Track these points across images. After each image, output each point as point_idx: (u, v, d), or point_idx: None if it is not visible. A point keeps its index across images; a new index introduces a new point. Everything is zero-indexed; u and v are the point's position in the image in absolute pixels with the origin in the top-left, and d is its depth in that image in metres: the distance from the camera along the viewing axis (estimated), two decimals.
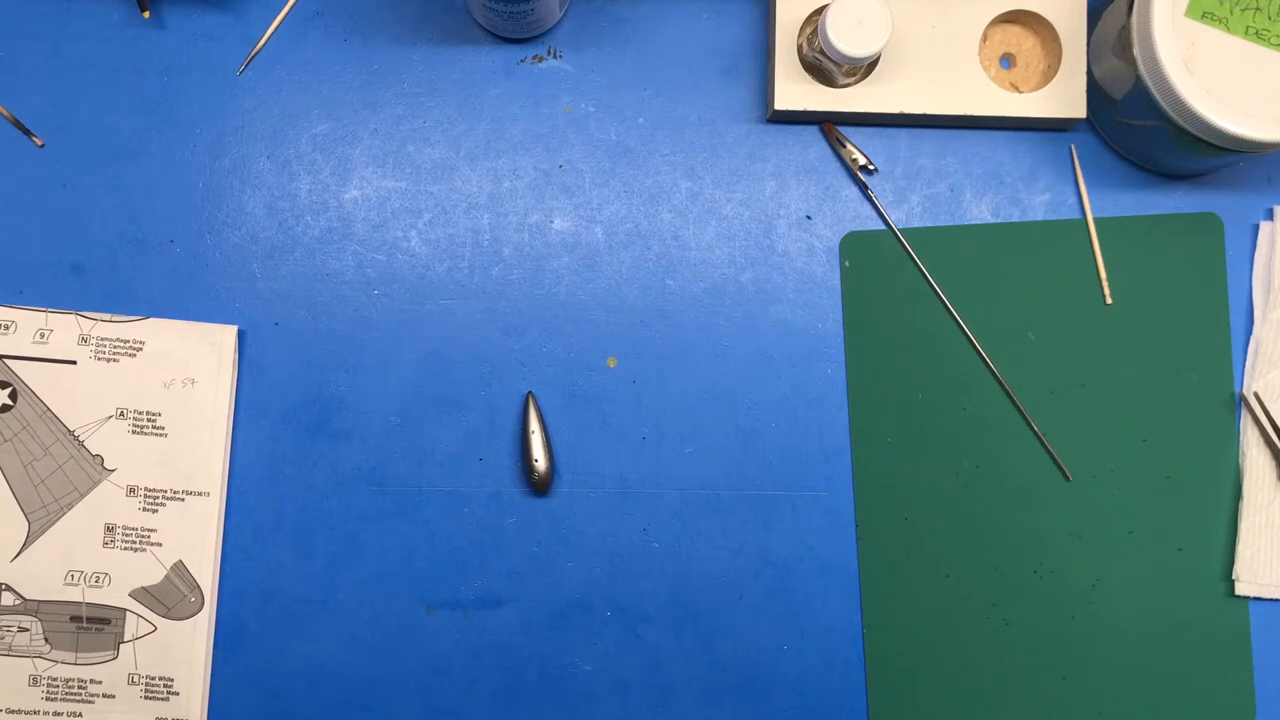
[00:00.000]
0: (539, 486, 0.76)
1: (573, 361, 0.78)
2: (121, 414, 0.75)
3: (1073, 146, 0.79)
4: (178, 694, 0.75)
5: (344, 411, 0.77)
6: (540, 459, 0.76)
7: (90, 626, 0.75)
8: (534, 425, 0.76)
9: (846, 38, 0.71)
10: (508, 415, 0.77)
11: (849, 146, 0.78)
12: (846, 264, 0.78)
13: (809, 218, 0.79)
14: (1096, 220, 0.79)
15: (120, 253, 0.77)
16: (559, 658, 0.77)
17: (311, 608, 0.76)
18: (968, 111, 0.76)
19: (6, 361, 0.75)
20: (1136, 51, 0.71)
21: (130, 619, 0.75)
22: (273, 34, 0.79)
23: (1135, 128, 0.75)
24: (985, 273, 0.78)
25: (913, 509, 0.77)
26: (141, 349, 0.76)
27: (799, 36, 0.76)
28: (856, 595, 0.77)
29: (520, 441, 0.77)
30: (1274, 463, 0.77)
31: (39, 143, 0.78)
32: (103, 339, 0.76)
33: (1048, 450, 0.77)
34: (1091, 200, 0.79)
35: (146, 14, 0.77)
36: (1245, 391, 0.78)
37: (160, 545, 0.75)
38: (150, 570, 0.75)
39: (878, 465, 0.77)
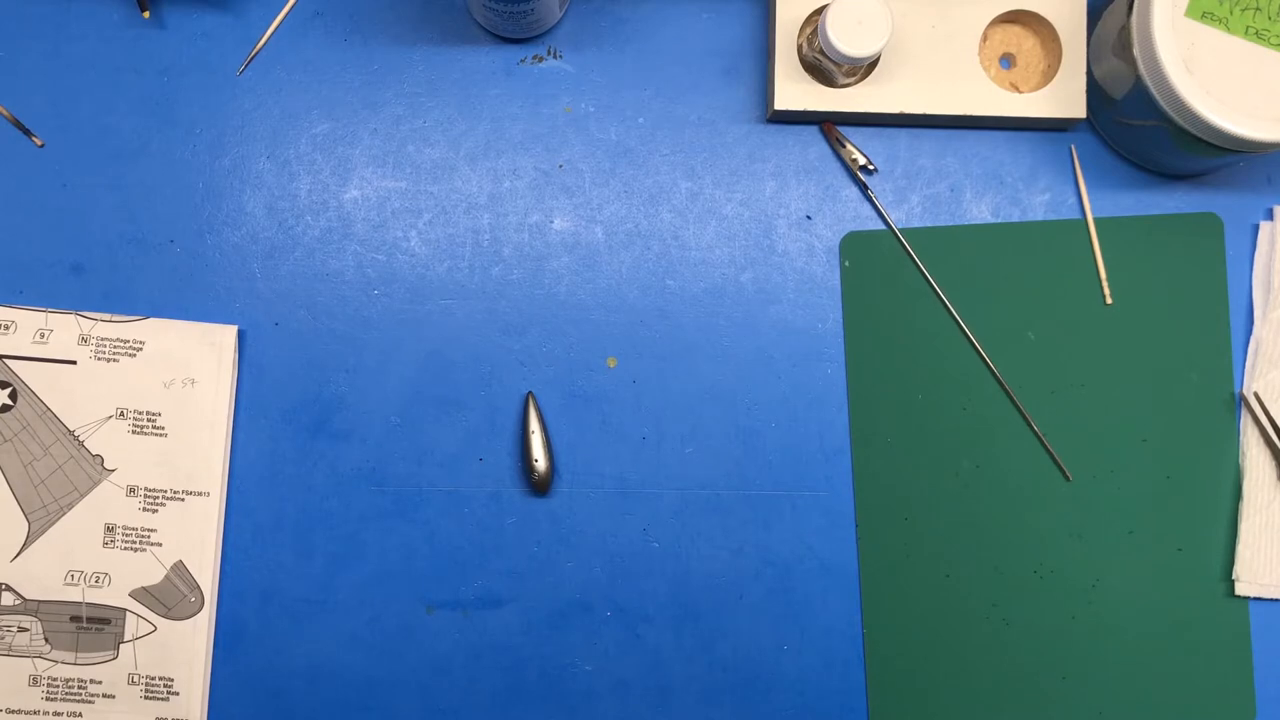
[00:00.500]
0: (539, 486, 0.76)
1: (573, 361, 0.78)
2: (121, 414, 0.75)
3: (1073, 146, 0.79)
4: (178, 694, 0.75)
5: (344, 411, 0.77)
6: (540, 459, 0.76)
7: (90, 626, 0.75)
8: (534, 425, 0.76)
9: (846, 38, 0.71)
10: (508, 415, 0.77)
11: (849, 146, 0.78)
12: (846, 264, 0.78)
13: (809, 218, 0.79)
14: (1096, 220, 0.79)
15: (120, 253, 0.77)
16: (559, 658, 0.77)
17: (311, 608, 0.76)
18: (968, 111, 0.76)
19: (6, 361, 0.75)
20: (1136, 51, 0.71)
21: (130, 619, 0.75)
22: (273, 34, 0.79)
23: (1135, 128, 0.75)
24: (985, 273, 0.78)
25: (913, 509, 0.77)
26: (141, 349, 0.76)
27: (799, 36, 0.76)
28: (856, 595, 0.77)
29: (520, 441, 0.77)
30: (1274, 463, 0.77)
31: (39, 143, 0.78)
32: (103, 339, 0.76)
33: (1048, 450, 0.77)
34: (1091, 200, 0.79)
35: (146, 14, 0.77)
36: (1245, 391, 0.78)
37: (160, 545, 0.75)
38: (150, 570, 0.75)
39: (878, 465, 0.77)
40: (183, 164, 0.78)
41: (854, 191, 0.79)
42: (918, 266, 0.78)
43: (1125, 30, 0.72)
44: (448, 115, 0.78)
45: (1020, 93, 0.77)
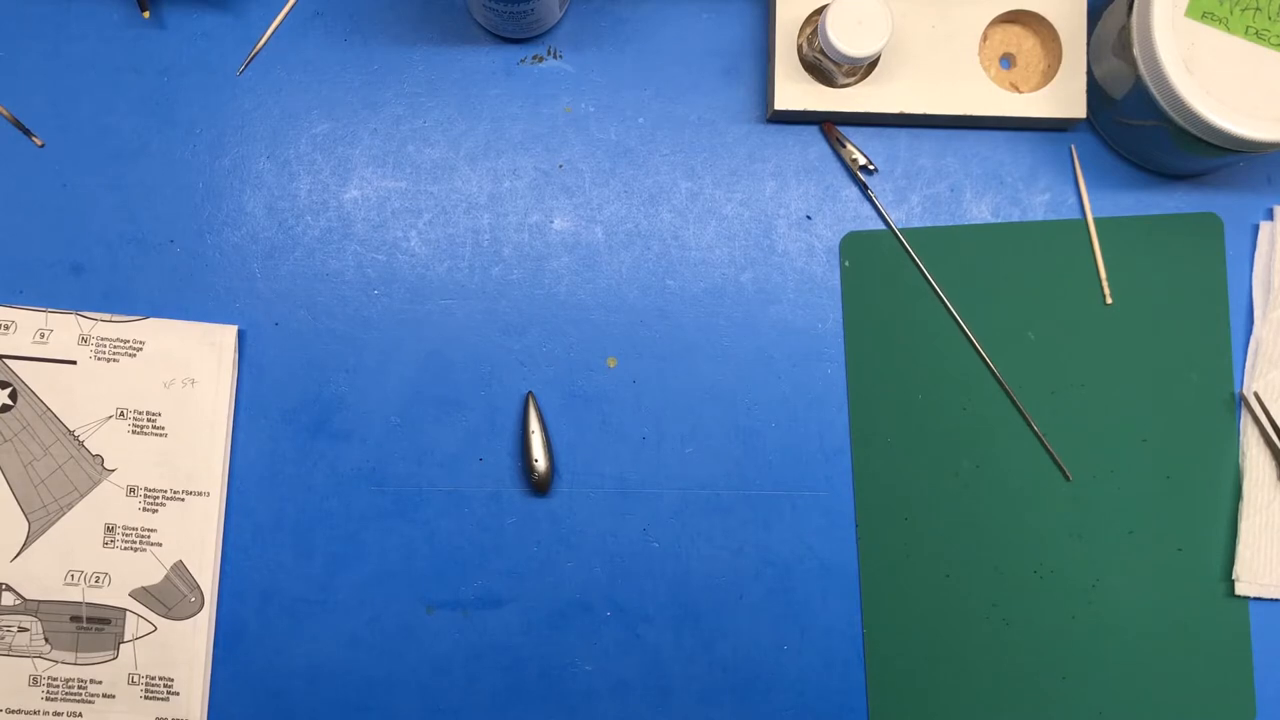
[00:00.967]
0: (539, 486, 0.76)
1: (573, 361, 0.78)
2: (121, 414, 0.75)
3: (1073, 146, 0.79)
4: (178, 694, 0.75)
5: (344, 411, 0.77)
6: (540, 459, 0.76)
7: (90, 626, 0.75)
8: (534, 425, 0.76)
9: (846, 38, 0.71)
10: (508, 415, 0.77)
11: (849, 146, 0.78)
12: (846, 264, 0.78)
13: (809, 218, 0.79)
14: (1096, 220, 0.79)
15: (120, 253, 0.77)
16: (559, 658, 0.77)
17: (311, 608, 0.76)
18: (968, 111, 0.76)
19: (6, 361, 0.75)
20: (1136, 51, 0.71)
21: (130, 619, 0.75)
22: (273, 34, 0.79)
23: (1135, 128, 0.75)
24: (985, 273, 0.78)
25: (913, 509, 0.77)
26: (141, 349, 0.76)
27: (799, 36, 0.76)
28: (856, 595, 0.77)
29: (520, 441, 0.77)
30: (1274, 463, 0.77)
31: (39, 143, 0.78)
32: (103, 339, 0.76)
33: (1048, 450, 0.77)
34: (1091, 200, 0.79)
35: (146, 14, 0.77)
36: (1245, 391, 0.78)
37: (160, 545, 0.75)
38: (150, 570, 0.75)
39: (878, 465, 0.77)
40: (183, 164, 0.78)
41: (854, 191, 0.79)
42: (918, 266, 0.78)
43: (1125, 30, 0.72)
44: (448, 115, 0.78)
45: (1020, 93, 0.77)
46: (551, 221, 0.78)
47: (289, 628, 0.76)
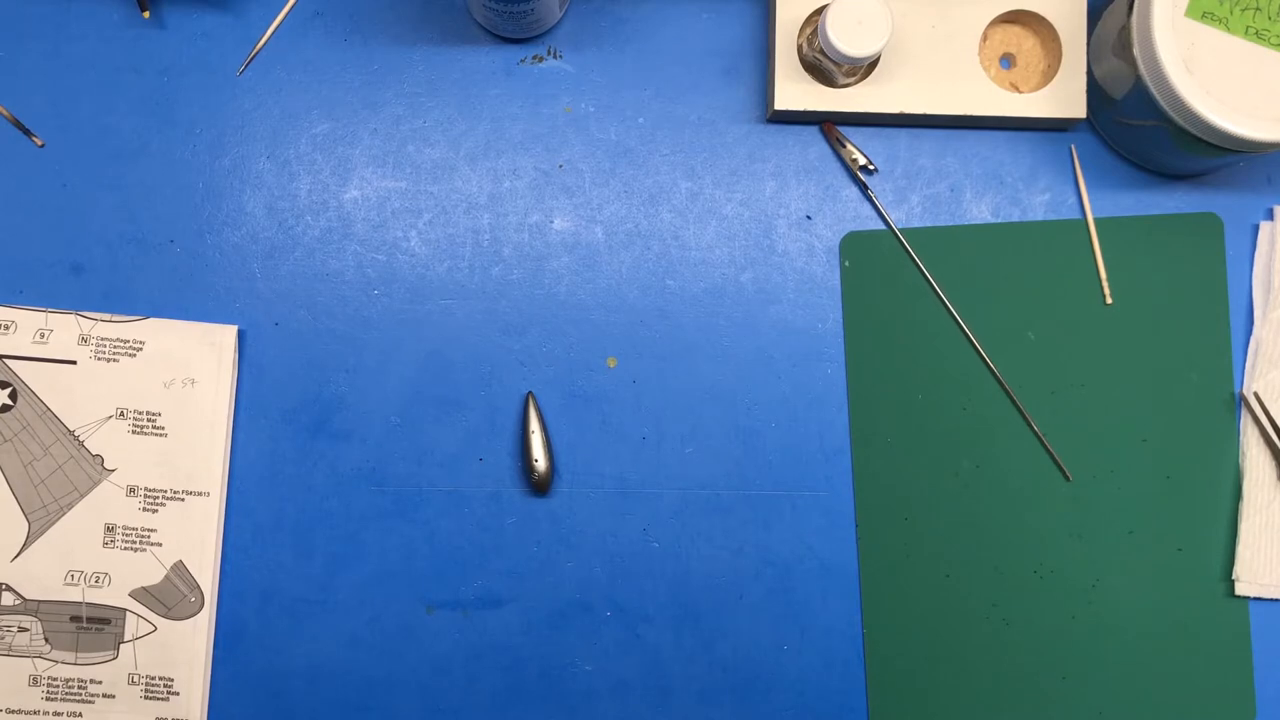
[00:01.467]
0: (539, 486, 0.76)
1: (573, 361, 0.78)
2: (121, 414, 0.75)
3: (1073, 146, 0.79)
4: (178, 694, 0.75)
5: (344, 411, 0.77)
6: (540, 459, 0.76)
7: (90, 626, 0.75)
8: (534, 425, 0.76)
9: (846, 38, 0.71)
10: (508, 415, 0.77)
11: (849, 146, 0.78)
12: (846, 264, 0.78)
13: (809, 218, 0.79)
14: (1096, 220, 0.79)
15: (120, 253, 0.77)
16: (559, 658, 0.77)
17: (311, 608, 0.76)
18: (968, 111, 0.76)
19: (6, 361, 0.75)
20: (1136, 51, 0.71)
21: (130, 619, 0.75)
22: (273, 34, 0.79)
23: (1135, 128, 0.75)
24: (985, 273, 0.78)
25: (913, 509, 0.77)
26: (141, 349, 0.76)
27: (799, 36, 0.76)
28: (856, 595, 0.77)
29: (520, 441, 0.77)
30: (1274, 463, 0.77)
31: (39, 143, 0.78)
32: (103, 339, 0.76)
33: (1048, 450, 0.77)
34: (1091, 200, 0.79)
35: (146, 14, 0.77)
36: (1245, 391, 0.78)
37: (160, 545, 0.75)
38: (150, 570, 0.75)
39: (878, 465, 0.77)
40: (183, 164, 0.78)
41: (854, 191, 0.79)
42: (918, 266, 0.78)
43: (1125, 30, 0.72)
44: (448, 115, 0.78)
45: (1020, 93, 0.77)
46: (551, 221, 0.78)
47: (289, 628, 0.76)
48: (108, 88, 0.78)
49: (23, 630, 0.75)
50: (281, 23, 0.79)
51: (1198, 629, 0.77)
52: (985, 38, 0.78)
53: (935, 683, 0.77)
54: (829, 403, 0.78)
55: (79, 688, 0.75)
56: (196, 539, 0.76)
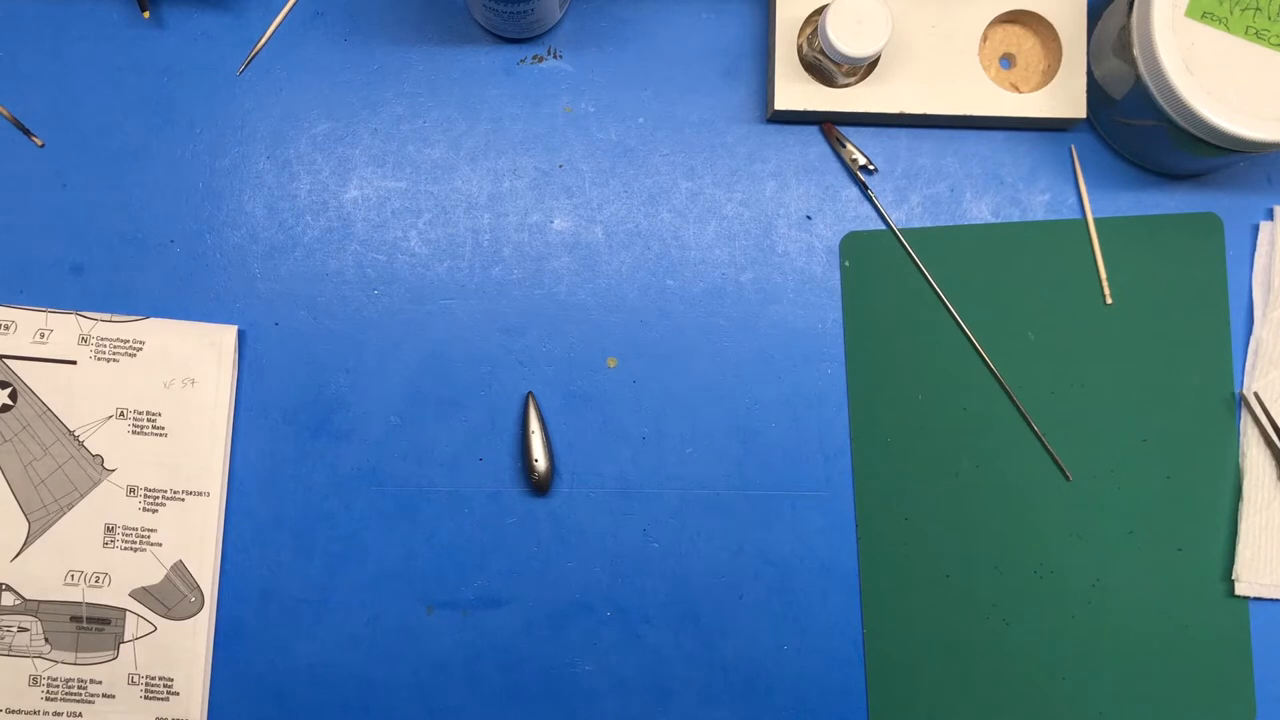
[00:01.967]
0: (539, 486, 0.76)
1: (573, 361, 0.78)
2: (121, 414, 0.75)
3: (1073, 146, 0.79)
4: (178, 694, 0.75)
5: (344, 411, 0.77)
6: (540, 459, 0.76)
7: (90, 626, 0.75)
8: (534, 425, 0.76)
9: (846, 38, 0.71)
10: (508, 415, 0.77)
11: (849, 146, 0.78)
12: (846, 264, 0.78)
13: (809, 218, 0.79)
14: (1096, 220, 0.79)
15: (120, 253, 0.77)
16: (559, 658, 0.77)
17: (311, 608, 0.76)
18: (968, 111, 0.76)
19: (6, 361, 0.75)
20: (1136, 51, 0.71)
21: (130, 619, 0.75)
22: (273, 34, 0.79)
23: (1135, 128, 0.75)
24: (985, 273, 0.78)
25: (913, 509, 0.77)
26: (141, 349, 0.76)
27: (799, 36, 0.76)
28: (856, 595, 0.77)
29: (520, 441, 0.77)
30: (1274, 463, 0.77)
31: (39, 143, 0.78)
32: (103, 339, 0.76)
33: (1048, 450, 0.77)
34: (1091, 200, 0.79)
35: (146, 14, 0.77)
36: (1245, 391, 0.78)
37: (160, 545, 0.75)
38: (150, 570, 0.75)
39: (878, 465, 0.77)
40: (183, 164, 0.78)
41: (854, 191, 0.79)
42: (918, 266, 0.78)
43: (1125, 30, 0.72)
44: (448, 115, 0.78)
45: (1020, 93, 0.77)
46: (551, 221, 0.78)
47: (289, 628, 0.76)
48: (108, 88, 0.78)
49: (23, 630, 0.75)
50: (281, 23, 0.79)
51: (1198, 629, 0.77)
52: (985, 38, 0.78)
53: (935, 683, 0.77)
54: (829, 403, 0.78)
55: (79, 688, 0.75)
56: (196, 539, 0.76)
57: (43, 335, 0.75)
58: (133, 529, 0.75)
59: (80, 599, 0.75)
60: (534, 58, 0.79)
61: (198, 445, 0.76)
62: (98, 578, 0.75)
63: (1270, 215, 0.79)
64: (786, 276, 0.78)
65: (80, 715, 0.75)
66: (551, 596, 0.77)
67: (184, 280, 0.77)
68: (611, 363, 0.78)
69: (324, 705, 0.76)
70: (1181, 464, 0.77)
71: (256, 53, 0.78)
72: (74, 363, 0.75)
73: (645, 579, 0.77)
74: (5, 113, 0.78)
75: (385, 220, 0.78)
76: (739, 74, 0.79)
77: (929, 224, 0.78)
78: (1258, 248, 0.79)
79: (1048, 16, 0.76)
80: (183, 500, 0.76)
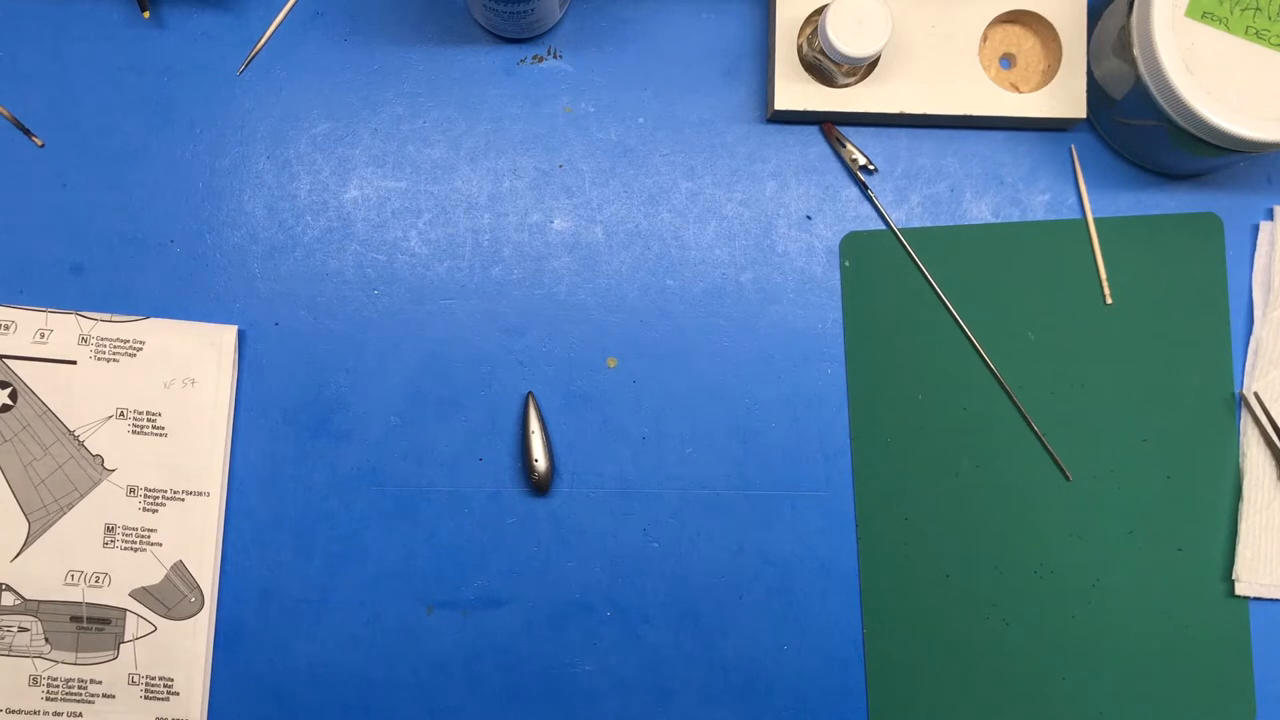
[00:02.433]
0: (539, 486, 0.76)
1: (573, 361, 0.78)
2: (121, 414, 0.75)
3: (1073, 146, 0.79)
4: (178, 694, 0.75)
5: (344, 411, 0.77)
6: (540, 459, 0.76)
7: (90, 626, 0.75)
8: (534, 425, 0.76)
9: (846, 38, 0.71)
10: (508, 415, 0.77)
11: (849, 146, 0.78)
12: (846, 264, 0.78)
13: (809, 218, 0.79)
14: (1096, 220, 0.79)
15: (120, 253, 0.77)
16: (559, 658, 0.77)
17: (311, 608, 0.76)
18: (968, 111, 0.76)
19: (6, 361, 0.75)
20: (1136, 51, 0.71)
21: (130, 619, 0.75)
22: (273, 34, 0.79)
23: (1135, 128, 0.75)
24: (985, 273, 0.78)
25: (913, 509, 0.77)
26: (141, 349, 0.76)
27: (799, 36, 0.76)
28: (856, 595, 0.77)
29: (520, 441, 0.77)
30: (1274, 463, 0.77)
31: (39, 143, 0.78)
32: (103, 339, 0.76)
33: (1048, 450, 0.77)
34: (1091, 200, 0.79)
35: (146, 14, 0.77)
36: (1245, 391, 0.78)
37: (160, 545, 0.75)
38: (150, 570, 0.75)
39: (878, 465, 0.77)
40: (183, 164, 0.78)
41: (854, 191, 0.79)
42: (918, 266, 0.78)
43: (1125, 30, 0.72)
44: (448, 115, 0.78)
45: (1020, 93, 0.77)
46: (551, 221, 0.78)
47: (289, 628, 0.76)
48: (108, 88, 0.78)
49: (23, 630, 0.75)
50: (281, 23, 0.79)
51: (1198, 629, 0.77)
52: (985, 38, 0.78)
53: (935, 683, 0.77)
54: (829, 403, 0.78)
55: (79, 688, 0.75)
56: (196, 539, 0.76)
57: (43, 335, 0.75)
58: (133, 529, 0.75)
59: (80, 599, 0.75)
60: (534, 58, 0.79)
61: (198, 445, 0.76)
62: (98, 578, 0.75)
63: (1270, 215, 0.79)
64: (786, 276, 0.78)
65: (80, 715, 0.75)
66: (551, 596, 0.77)
67: (184, 280, 0.77)
68: (611, 363, 0.78)
69: (324, 705, 0.76)
70: (1181, 464, 0.77)
71: (256, 53, 0.78)
72: (74, 363, 0.75)
73: (645, 579, 0.77)
74: (5, 113, 0.78)
75: (385, 220, 0.78)
76: (739, 74, 0.79)
77: (929, 224, 0.78)
78: (1258, 248, 0.79)
79: (1048, 16, 0.76)
80: (183, 500, 0.76)
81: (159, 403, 0.76)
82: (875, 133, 0.79)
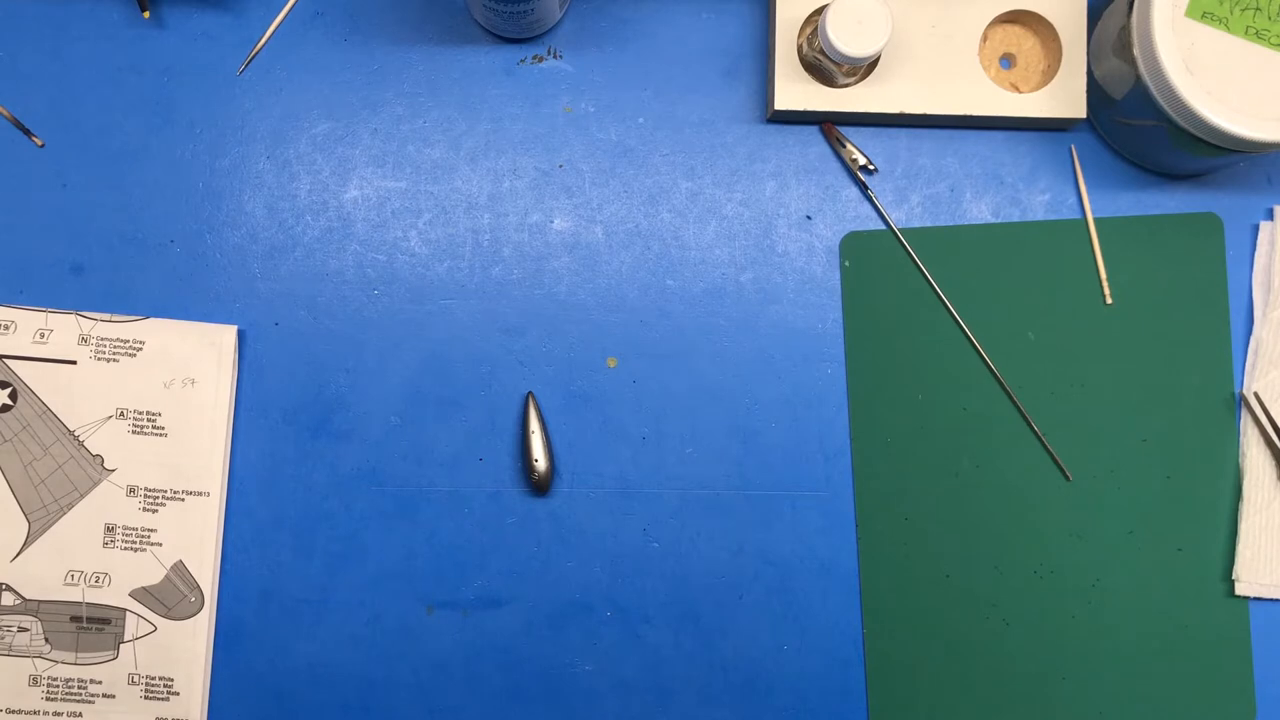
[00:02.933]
0: (539, 486, 0.76)
1: (573, 361, 0.78)
2: (121, 414, 0.75)
3: (1073, 146, 0.79)
4: (178, 694, 0.75)
5: (344, 411, 0.77)
6: (540, 459, 0.76)
7: (90, 626, 0.75)
8: (534, 425, 0.76)
9: (846, 38, 0.71)
10: (508, 415, 0.77)
11: (849, 146, 0.78)
12: (846, 264, 0.78)
13: (809, 218, 0.79)
14: (1096, 220, 0.79)
15: (120, 253, 0.77)
16: (559, 658, 0.77)
17: (311, 608, 0.76)
18: (968, 111, 0.76)
19: (6, 361, 0.75)
20: (1136, 51, 0.71)
21: (130, 619, 0.75)
22: (273, 34, 0.79)
23: (1135, 128, 0.75)
24: (985, 273, 0.78)
25: (913, 509, 0.77)
26: (141, 349, 0.76)
27: (799, 36, 0.76)
28: (856, 595, 0.77)
29: (520, 441, 0.77)
30: (1274, 463, 0.77)
31: (39, 143, 0.78)
32: (103, 339, 0.76)
33: (1048, 450, 0.77)
34: (1091, 200, 0.79)
35: (146, 14, 0.77)
36: (1245, 391, 0.78)
37: (160, 545, 0.75)
38: (150, 570, 0.75)
39: (878, 465, 0.77)
40: (183, 164, 0.78)
41: (854, 191, 0.79)
42: (918, 266, 0.78)
43: (1125, 30, 0.72)
44: (448, 115, 0.79)
45: (1020, 93, 0.77)
46: (551, 221, 0.78)
47: (289, 628, 0.76)
48: (108, 88, 0.78)
49: (23, 630, 0.75)
50: (281, 23, 0.79)
51: (1198, 629, 0.77)
52: (985, 38, 0.78)
53: (935, 683, 0.77)
54: (829, 403, 0.78)
55: (79, 688, 0.75)
56: (196, 539, 0.76)
57: (43, 335, 0.75)
58: (133, 529, 0.75)
59: (80, 599, 0.75)
60: (534, 58, 0.79)
61: (198, 445, 0.76)
62: (98, 578, 0.75)
63: (1270, 215, 0.79)
64: (786, 276, 0.78)
65: (80, 715, 0.75)
66: (551, 596, 0.77)
67: (184, 280, 0.77)
68: (611, 363, 0.78)
69: (324, 705, 0.76)
70: (1181, 464, 0.77)
71: (256, 53, 0.78)
72: (74, 363, 0.75)
73: (645, 579, 0.77)
74: (5, 113, 0.78)
75: (385, 220, 0.78)
76: (739, 74, 0.79)
77: (929, 224, 0.78)
78: (1258, 248, 0.79)
79: (1048, 16, 0.76)
80: (183, 500, 0.76)
81: (159, 403, 0.76)
82: (875, 133, 0.79)
